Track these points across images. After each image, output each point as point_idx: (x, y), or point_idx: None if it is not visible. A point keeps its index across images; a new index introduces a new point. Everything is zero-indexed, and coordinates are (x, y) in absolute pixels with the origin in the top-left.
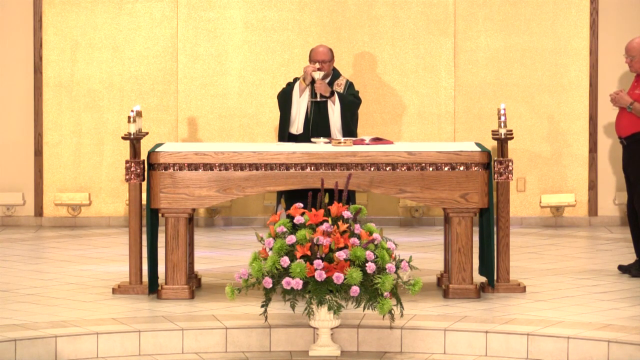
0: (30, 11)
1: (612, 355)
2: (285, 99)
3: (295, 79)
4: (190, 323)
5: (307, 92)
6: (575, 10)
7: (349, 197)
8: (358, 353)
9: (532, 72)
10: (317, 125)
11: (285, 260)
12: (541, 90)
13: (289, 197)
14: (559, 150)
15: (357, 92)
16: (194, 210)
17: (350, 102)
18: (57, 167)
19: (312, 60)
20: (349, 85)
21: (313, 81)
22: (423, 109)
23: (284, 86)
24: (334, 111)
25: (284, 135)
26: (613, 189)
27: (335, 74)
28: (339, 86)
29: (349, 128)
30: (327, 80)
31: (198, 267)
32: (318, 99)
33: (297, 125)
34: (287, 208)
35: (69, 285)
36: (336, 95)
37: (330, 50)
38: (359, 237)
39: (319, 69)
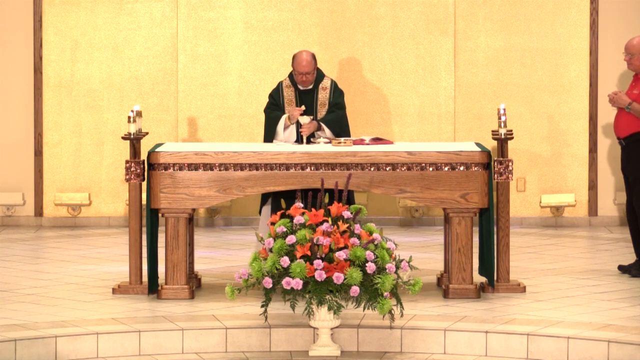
0: (30, 11)
1: (612, 355)
2: (269, 130)
3: (277, 87)
4: (190, 323)
5: (292, 129)
6: (575, 10)
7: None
8: (358, 353)
9: (532, 72)
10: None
11: (285, 260)
12: (541, 90)
13: (288, 197)
14: (559, 150)
15: (342, 93)
16: (194, 210)
17: (337, 120)
18: (57, 167)
19: (296, 70)
20: (334, 88)
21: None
22: (423, 109)
23: (269, 102)
24: (326, 133)
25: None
26: (613, 189)
27: (319, 76)
28: (325, 89)
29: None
30: (311, 85)
31: (198, 267)
32: (304, 142)
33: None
34: (287, 208)
35: (69, 285)
36: (324, 126)
37: (314, 57)
38: (359, 237)
39: (305, 112)
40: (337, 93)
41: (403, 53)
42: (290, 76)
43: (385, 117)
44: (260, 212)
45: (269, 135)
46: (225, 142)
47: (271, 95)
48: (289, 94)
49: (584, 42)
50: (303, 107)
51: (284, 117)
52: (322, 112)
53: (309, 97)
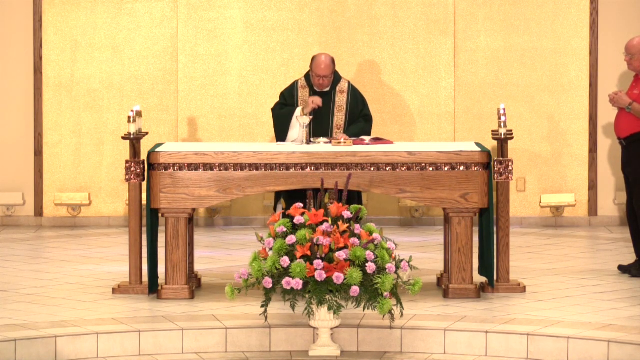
0: (30, 11)
1: (612, 355)
2: (280, 123)
3: (291, 87)
4: (190, 323)
5: (302, 131)
6: (575, 10)
7: (353, 197)
8: (358, 353)
9: (532, 72)
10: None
11: (285, 260)
12: (541, 90)
13: (290, 197)
14: (559, 150)
15: (365, 101)
16: (194, 210)
17: (366, 134)
18: (57, 167)
19: (313, 72)
20: (353, 92)
21: (312, 111)
22: (423, 109)
23: (278, 102)
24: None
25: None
26: (613, 189)
27: (336, 78)
28: (342, 92)
29: None
30: (327, 88)
31: (198, 267)
32: (304, 142)
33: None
34: (287, 208)
35: (69, 285)
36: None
37: (333, 61)
38: (359, 237)
39: (320, 114)
40: (358, 99)
41: (403, 53)
42: (307, 77)
43: (385, 117)
44: (275, 209)
45: (281, 130)
46: (225, 142)
47: (282, 95)
48: (304, 94)
49: (584, 42)
50: (320, 100)
51: (299, 109)
52: (338, 115)
53: (326, 100)
